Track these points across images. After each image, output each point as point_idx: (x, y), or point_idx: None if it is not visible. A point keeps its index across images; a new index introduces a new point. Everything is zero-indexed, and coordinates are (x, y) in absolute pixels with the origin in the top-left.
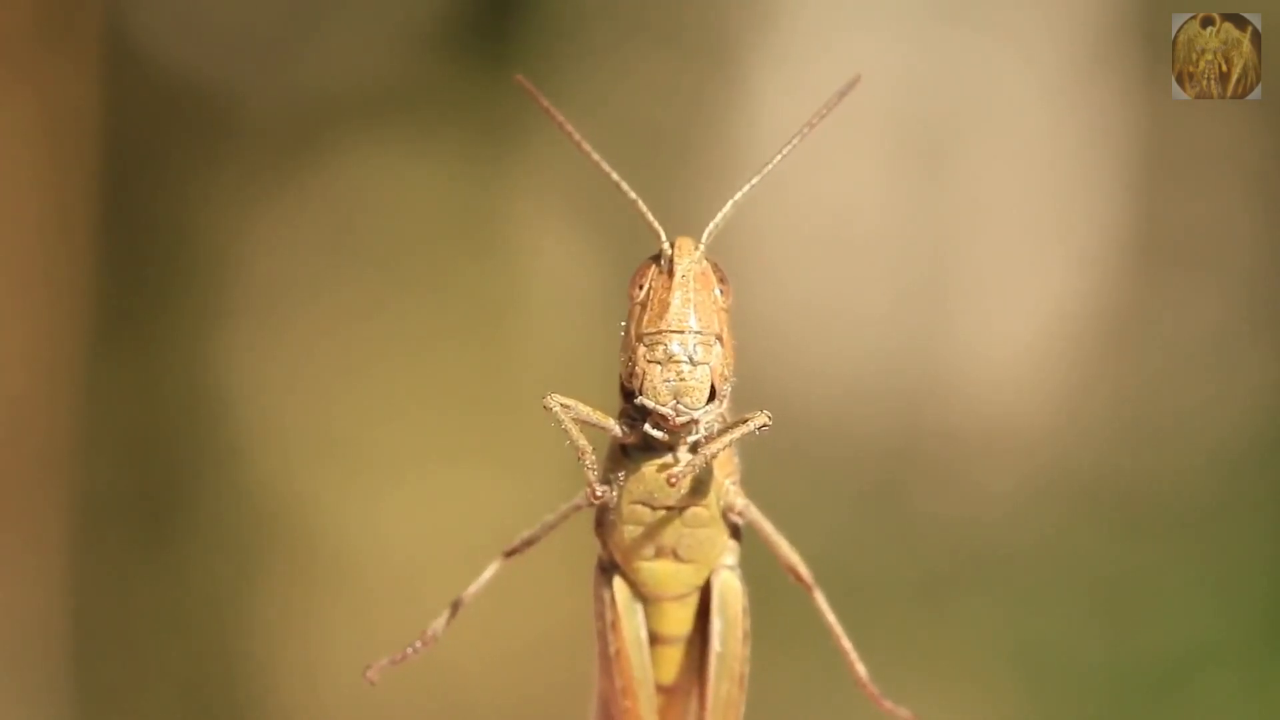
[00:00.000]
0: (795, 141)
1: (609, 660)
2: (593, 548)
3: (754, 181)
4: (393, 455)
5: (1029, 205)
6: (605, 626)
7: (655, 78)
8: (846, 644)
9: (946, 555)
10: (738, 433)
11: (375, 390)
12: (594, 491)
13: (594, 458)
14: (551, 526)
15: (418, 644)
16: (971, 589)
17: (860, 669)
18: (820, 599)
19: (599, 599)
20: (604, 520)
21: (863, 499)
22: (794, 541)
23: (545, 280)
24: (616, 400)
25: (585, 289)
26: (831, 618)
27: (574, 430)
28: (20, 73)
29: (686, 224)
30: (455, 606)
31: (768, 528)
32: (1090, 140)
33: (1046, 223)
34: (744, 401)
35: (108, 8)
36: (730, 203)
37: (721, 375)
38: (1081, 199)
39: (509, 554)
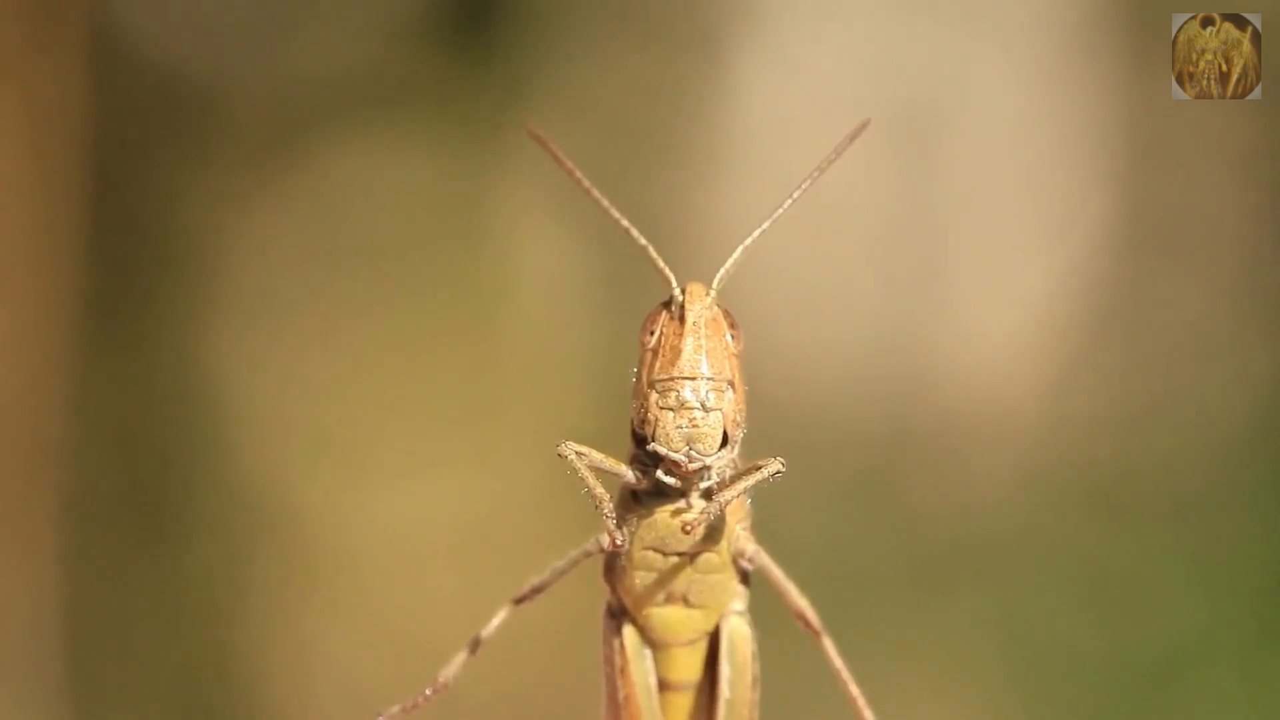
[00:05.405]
0: (806, 185)
1: (617, 706)
2: (599, 588)
3: (764, 226)
4: (383, 451)
5: (1019, 195)
6: (614, 672)
7: (640, 71)
8: (855, 690)
9: (935, 543)
10: (752, 480)
11: (365, 386)
12: (614, 539)
13: (611, 505)
14: (562, 573)
15: (428, 691)
16: (960, 577)
17: (869, 716)
18: (829, 645)
19: (608, 644)
20: (614, 566)
21: (851, 487)
22: (784, 530)
23: (534, 276)
24: (609, 404)
25: (575, 286)
26: (840, 664)
27: (590, 478)
28: (5, 68)
29: (670, 222)
30: (468, 651)
31: (777, 573)
32: (1080, 131)
33: (1036, 212)
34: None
35: (93, 3)
36: (740, 248)
37: (734, 421)
38: (1071, 189)
39: (518, 601)
